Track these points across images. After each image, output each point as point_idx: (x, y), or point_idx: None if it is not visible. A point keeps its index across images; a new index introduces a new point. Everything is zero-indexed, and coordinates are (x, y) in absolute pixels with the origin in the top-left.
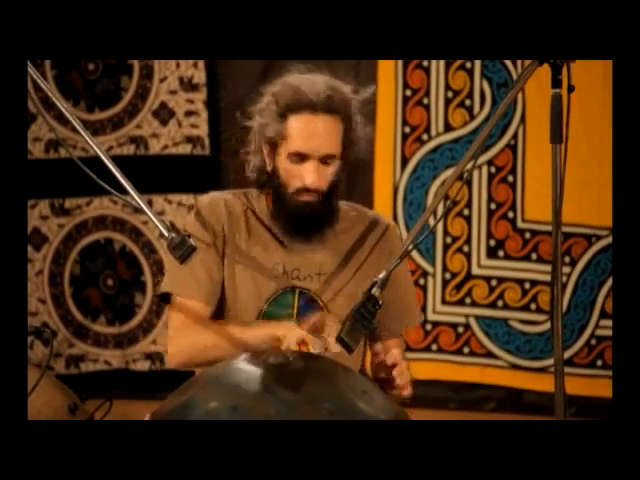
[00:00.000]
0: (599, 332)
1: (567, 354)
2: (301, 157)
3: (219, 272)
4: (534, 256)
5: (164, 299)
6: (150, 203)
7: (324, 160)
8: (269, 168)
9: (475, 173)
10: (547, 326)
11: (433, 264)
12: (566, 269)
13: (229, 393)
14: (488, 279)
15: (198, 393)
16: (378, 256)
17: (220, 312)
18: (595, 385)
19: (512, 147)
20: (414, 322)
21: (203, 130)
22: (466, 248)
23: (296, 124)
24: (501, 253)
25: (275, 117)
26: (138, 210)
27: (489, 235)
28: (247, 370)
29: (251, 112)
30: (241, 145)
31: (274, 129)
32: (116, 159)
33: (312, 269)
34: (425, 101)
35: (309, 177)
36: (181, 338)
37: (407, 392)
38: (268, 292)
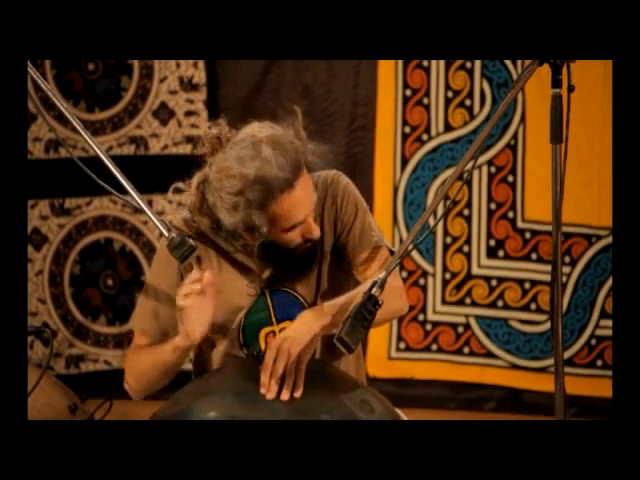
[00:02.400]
0: (599, 332)
1: (567, 354)
2: (298, 224)
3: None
4: (534, 256)
5: None
6: (150, 203)
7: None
8: (251, 241)
9: (475, 173)
10: (547, 326)
11: (433, 264)
12: (566, 269)
13: (227, 403)
14: (488, 279)
15: (196, 401)
16: (327, 216)
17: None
18: (595, 385)
19: (512, 147)
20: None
21: (203, 130)
22: (466, 248)
23: (282, 207)
24: (501, 253)
25: (254, 212)
26: (138, 210)
27: (489, 235)
28: (246, 379)
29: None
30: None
31: (259, 221)
32: (116, 159)
33: (271, 264)
34: (425, 101)
35: (314, 232)
36: (126, 371)
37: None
38: (243, 309)
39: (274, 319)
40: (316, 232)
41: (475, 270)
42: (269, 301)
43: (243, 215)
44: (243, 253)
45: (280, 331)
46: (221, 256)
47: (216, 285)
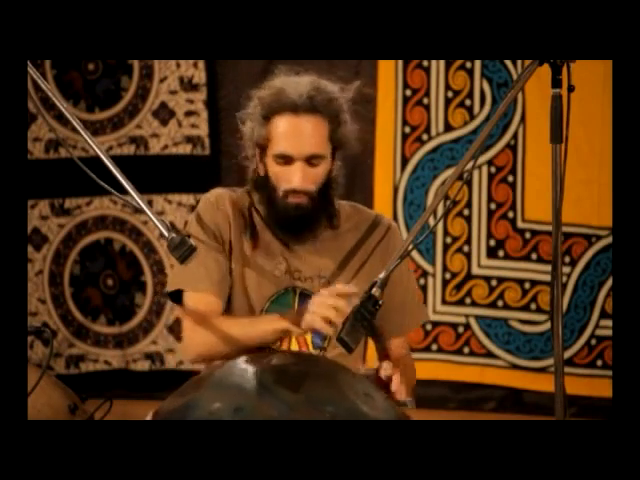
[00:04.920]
0: (599, 332)
1: (567, 354)
2: (286, 159)
3: (227, 266)
4: (534, 256)
5: (173, 298)
6: (150, 203)
7: (310, 161)
8: (261, 172)
9: (475, 173)
10: (547, 326)
11: (433, 264)
12: (566, 269)
13: (232, 394)
14: (488, 279)
15: (201, 394)
16: (379, 257)
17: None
18: (595, 385)
19: (512, 147)
20: (420, 321)
21: (203, 130)
22: (466, 248)
23: (279, 125)
24: (501, 253)
25: (260, 120)
26: (138, 210)
27: (489, 235)
28: (250, 372)
29: (242, 117)
30: (241, 149)
31: (259, 132)
32: (116, 159)
33: (313, 271)
34: (425, 101)
35: (295, 178)
36: (195, 333)
37: (403, 396)
38: (270, 290)
39: None
40: (298, 181)
41: (475, 270)
42: (296, 302)
43: (254, 123)
44: (273, 235)
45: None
46: (254, 237)
47: (249, 260)
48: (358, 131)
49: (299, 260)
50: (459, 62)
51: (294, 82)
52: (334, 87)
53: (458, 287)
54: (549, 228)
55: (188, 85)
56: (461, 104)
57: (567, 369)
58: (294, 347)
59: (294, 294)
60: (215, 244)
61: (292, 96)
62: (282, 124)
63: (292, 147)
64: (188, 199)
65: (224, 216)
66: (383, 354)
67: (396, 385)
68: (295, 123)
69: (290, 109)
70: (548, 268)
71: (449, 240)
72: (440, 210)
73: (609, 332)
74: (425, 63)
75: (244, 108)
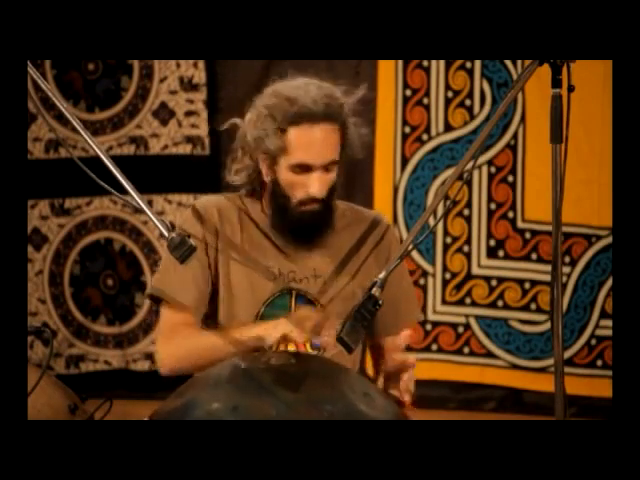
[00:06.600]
0: (599, 332)
1: (567, 354)
2: (304, 168)
3: (207, 281)
4: (534, 256)
5: (153, 299)
6: (150, 203)
7: (326, 168)
8: (267, 179)
9: (475, 173)
10: (547, 326)
11: (433, 264)
12: (566, 269)
13: (230, 394)
14: (488, 279)
15: (199, 393)
16: (376, 256)
17: (217, 317)
18: (595, 385)
19: (512, 147)
20: (414, 320)
21: (203, 130)
22: (466, 248)
23: (297, 136)
24: (501, 253)
25: (273, 131)
26: (138, 210)
27: (489, 235)
28: (249, 371)
29: (242, 125)
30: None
31: (274, 143)
32: (116, 159)
33: (307, 271)
34: (425, 101)
35: (315, 187)
36: (168, 344)
37: (407, 398)
38: (264, 295)
39: None
40: (318, 189)
41: (475, 270)
42: (292, 304)
43: (263, 131)
44: (266, 238)
45: None
46: (248, 238)
47: (241, 266)
48: (364, 134)
49: (292, 261)
50: (459, 62)
51: (303, 90)
52: (339, 91)
53: (458, 287)
54: (549, 228)
55: (188, 85)
56: (461, 104)
57: (567, 369)
58: (291, 348)
59: (290, 296)
60: (199, 255)
61: (308, 105)
62: (300, 134)
63: (312, 157)
64: (188, 199)
65: (210, 225)
66: (377, 353)
67: (408, 385)
68: (314, 132)
69: (308, 119)
70: (548, 268)
71: (449, 240)
72: (440, 210)
73: (609, 332)
74: (425, 63)
75: (245, 114)
